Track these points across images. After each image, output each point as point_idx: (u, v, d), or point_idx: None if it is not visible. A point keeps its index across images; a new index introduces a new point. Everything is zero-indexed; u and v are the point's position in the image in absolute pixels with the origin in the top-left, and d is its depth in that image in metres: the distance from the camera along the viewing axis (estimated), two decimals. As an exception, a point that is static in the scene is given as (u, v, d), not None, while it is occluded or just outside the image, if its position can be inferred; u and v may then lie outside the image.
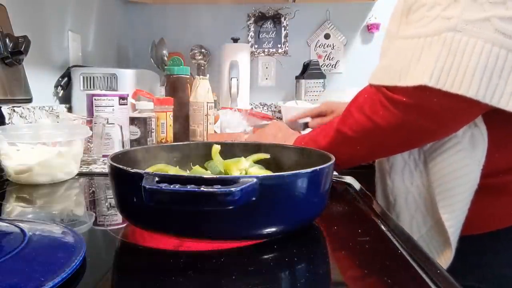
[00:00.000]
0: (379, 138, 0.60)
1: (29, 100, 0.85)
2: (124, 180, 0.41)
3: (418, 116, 0.55)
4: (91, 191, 0.65)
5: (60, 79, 1.16)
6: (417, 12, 0.56)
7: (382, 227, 0.46)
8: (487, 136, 0.59)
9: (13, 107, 0.88)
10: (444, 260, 0.62)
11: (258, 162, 0.55)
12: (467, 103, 0.51)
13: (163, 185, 0.34)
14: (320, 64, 1.74)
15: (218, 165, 0.53)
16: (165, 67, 1.21)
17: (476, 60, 0.49)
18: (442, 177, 0.61)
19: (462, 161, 0.60)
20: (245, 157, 0.55)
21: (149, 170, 0.49)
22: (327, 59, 1.82)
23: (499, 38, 0.48)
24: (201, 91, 1.04)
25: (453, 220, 0.60)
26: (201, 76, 1.06)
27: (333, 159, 0.45)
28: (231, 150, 0.57)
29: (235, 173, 0.51)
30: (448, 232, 0.60)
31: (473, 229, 0.62)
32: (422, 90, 0.52)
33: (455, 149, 0.60)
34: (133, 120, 0.92)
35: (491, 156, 0.59)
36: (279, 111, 1.74)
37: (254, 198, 0.36)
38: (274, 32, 1.82)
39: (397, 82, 0.54)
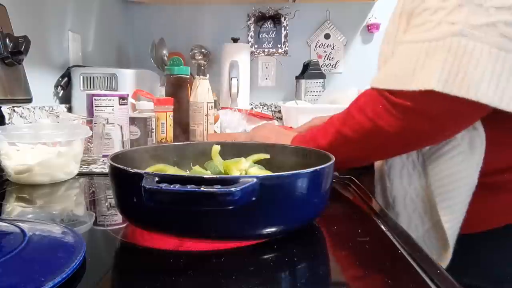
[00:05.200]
0: (380, 140, 0.60)
1: (29, 100, 0.85)
2: (124, 180, 0.41)
3: (420, 120, 0.55)
4: (91, 191, 0.65)
5: (60, 79, 1.16)
6: (420, 16, 0.55)
7: (382, 227, 0.46)
8: (485, 137, 0.60)
9: (13, 107, 0.88)
10: (442, 260, 0.62)
11: (258, 162, 0.55)
12: (472, 107, 0.51)
13: (163, 185, 0.34)
14: (320, 64, 1.74)
15: (218, 165, 0.53)
16: (165, 67, 1.21)
17: (484, 65, 0.49)
18: (441, 179, 0.61)
19: (461, 164, 0.60)
20: (245, 157, 0.55)
21: (149, 170, 0.49)
22: (327, 59, 1.82)
23: (504, 42, 0.49)
24: (201, 91, 1.04)
25: (452, 221, 0.61)
26: (201, 76, 1.06)
27: (333, 159, 0.45)
28: (231, 150, 0.57)
29: (235, 173, 0.51)
30: (447, 234, 0.61)
31: (472, 228, 0.62)
32: (428, 95, 0.52)
33: (454, 152, 0.60)
34: (133, 120, 0.92)
35: (489, 155, 0.60)
36: (279, 111, 1.74)
37: (254, 198, 0.36)
38: (274, 32, 1.82)
39: (401, 87, 0.54)
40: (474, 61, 0.49)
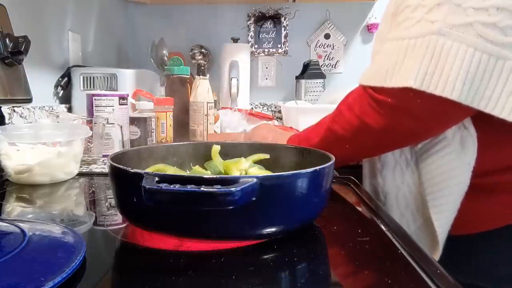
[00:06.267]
0: (368, 137, 0.61)
1: (29, 100, 0.85)
2: (124, 180, 0.41)
3: (403, 117, 0.56)
4: (91, 191, 0.65)
5: (60, 79, 1.16)
6: (402, 14, 0.56)
7: (382, 227, 0.46)
8: (477, 137, 0.60)
9: (13, 107, 0.88)
10: None
11: (258, 162, 0.55)
12: (450, 105, 0.51)
13: (163, 185, 0.34)
14: (320, 64, 1.74)
15: (218, 165, 0.53)
16: (165, 67, 1.21)
17: (459, 64, 0.49)
18: (432, 178, 0.62)
19: (452, 163, 0.60)
20: (245, 157, 0.55)
21: (149, 170, 0.49)
22: (327, 59, 1.82)
23: (481, 43, 0.49)
24: (201, 91, 1.04)
25: (442, 220, 0.61)
26: (201, 76, 1.06)
27: (333, 159, 0.45)
28: (231, 150, 0.57)
29: (235, 173, 0.51)
30: (437, 232, 0.61)
31: (464, 229, 0.63)
32: (407, 92, 0.53)
33: (445, 150, 0.61)
34: (133, 120, 0.92)
35: (481, 156, 0.60)
36: (279, 111, 1.74)
37: (254, 198, 0.36)
38: (274, 32, 1.82)
39: (383, 84, 0.55)
40: (451, 60, 0.50)
